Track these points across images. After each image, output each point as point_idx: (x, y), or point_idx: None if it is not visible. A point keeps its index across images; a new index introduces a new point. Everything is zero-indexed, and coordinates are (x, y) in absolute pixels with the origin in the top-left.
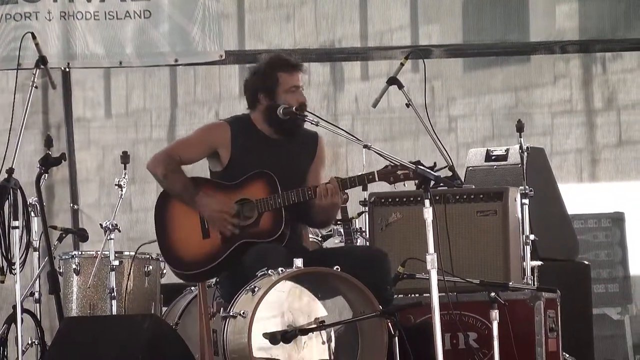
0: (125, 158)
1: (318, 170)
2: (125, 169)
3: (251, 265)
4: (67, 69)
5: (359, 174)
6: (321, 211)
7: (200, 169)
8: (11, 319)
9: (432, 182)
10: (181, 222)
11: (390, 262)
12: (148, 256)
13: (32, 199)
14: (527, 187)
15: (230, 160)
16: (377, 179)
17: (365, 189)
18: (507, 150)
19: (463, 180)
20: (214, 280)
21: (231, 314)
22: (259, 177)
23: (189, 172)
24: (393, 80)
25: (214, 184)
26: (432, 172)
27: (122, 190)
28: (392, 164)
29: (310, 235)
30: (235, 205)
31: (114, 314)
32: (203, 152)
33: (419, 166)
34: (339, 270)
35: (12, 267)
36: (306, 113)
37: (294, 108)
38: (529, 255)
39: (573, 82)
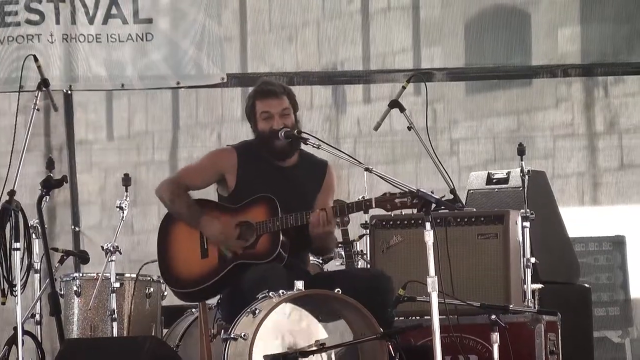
0: (126, 180)
1: (326, 200)
2: (126, 191)
3: (251, 285)
4: (69, 92)
5: (357, 200)
6: (315, 239)
7: (209, 194)
8: (12, 341)
9: (433, 205)
10: (182, 243)
11: (392, 283)
12: (149, 278)
13: (33, 220)
14: (528, 210)
15: (236, 186)
16: (374, 206)
17: (366, 212)
18: (508, 174)
19: (464, 203)
20: (215, 302)
21: (232, 336)
22: (262, 201)
23: (196, 195)
24: (395, 104)
25: (218, 206)
26: (433, 195)
27: (123, 213)
28: (391, 192)
29: (311, 258)
30: (236, 229)
31: (114, 335)
32: (210, 178)
33: (420, 189)
34: (340, 292)
35: (13, 288)
36: (308, 136)
37: (295, 131)
38: (529, 278)
39: (575, 106)
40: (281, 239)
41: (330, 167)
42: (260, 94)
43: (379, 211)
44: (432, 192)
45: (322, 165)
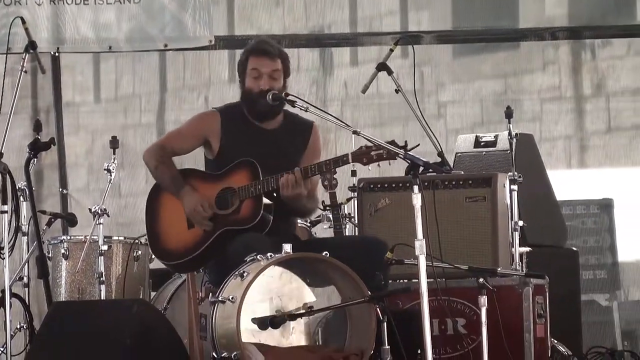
0: (114, 143)
1: (311, 161)
2: (114, 154)
3: (236, 255)
4: (57, 54)
5: (334, 157)
6: (287, 201)
7: (194, 159)
8: (0, 303)
9: (421, 168)
10: (168, 214)
11: (386, 248)
12: (137, 241)
13: (21, 183)
14: (516, 173)
15: (220, 149)
16: (350, 160)
17: (354, 174)
18: (496, 137)
19: (452, 166)
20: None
21: (220, 299)
22: (244, 165)
23: (183, 161)
24: (382, 66)
25: (201, 175)
26: (420, 157)
27: (111, 175)
28: (367, 145)
29: (298, 221)
30: (213, 204)
31: (102, 298)
32: (195, 142)
33: (408, 152)
34: (328, 255)
35: (1, 251)
36: (295, 99)
37: (283, 94)
38: (517, 241)
39: (562, 69)
40: (264, 201)
41: (315, 128)
42: (255, 52)
43: (368, 173)
44: (406, 143)
45: (307, 125)
